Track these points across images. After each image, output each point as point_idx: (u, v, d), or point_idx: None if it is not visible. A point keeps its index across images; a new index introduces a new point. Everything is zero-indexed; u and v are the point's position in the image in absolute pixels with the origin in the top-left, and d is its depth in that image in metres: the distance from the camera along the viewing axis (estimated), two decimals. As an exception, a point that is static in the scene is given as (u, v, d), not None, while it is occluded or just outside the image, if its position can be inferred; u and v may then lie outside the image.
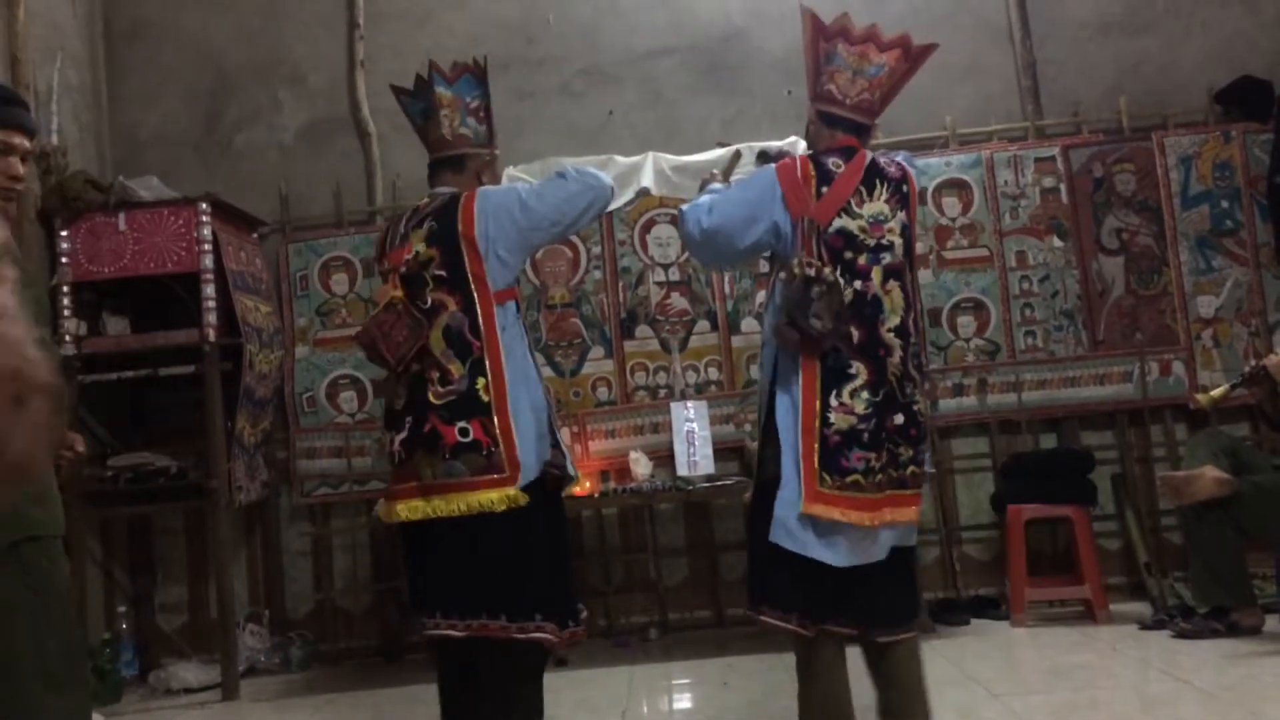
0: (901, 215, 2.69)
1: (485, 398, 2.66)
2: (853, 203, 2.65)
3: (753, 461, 3.32)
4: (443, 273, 2.74)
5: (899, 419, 2.57)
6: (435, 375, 2.70)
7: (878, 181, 2.69)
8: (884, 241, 2.64)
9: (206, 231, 4.19)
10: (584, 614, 2.76)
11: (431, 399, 2.69)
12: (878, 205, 2.66)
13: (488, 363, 2.68)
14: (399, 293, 2.77)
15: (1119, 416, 4.62)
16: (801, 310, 2.53)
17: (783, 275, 2.62)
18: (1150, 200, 4.65)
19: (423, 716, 3.47)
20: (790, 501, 2.51)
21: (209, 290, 4.16)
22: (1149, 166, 4.65)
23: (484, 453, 2.62)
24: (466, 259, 2.73)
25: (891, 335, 2.60)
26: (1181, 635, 3.65)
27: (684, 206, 2.82)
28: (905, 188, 2.74)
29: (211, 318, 4.15)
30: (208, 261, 4.18)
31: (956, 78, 4.81)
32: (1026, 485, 4.28)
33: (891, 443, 2.55)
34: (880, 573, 2.53)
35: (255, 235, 4.77)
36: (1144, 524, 4.49)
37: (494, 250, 2.75)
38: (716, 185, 2.90)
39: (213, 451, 4.13)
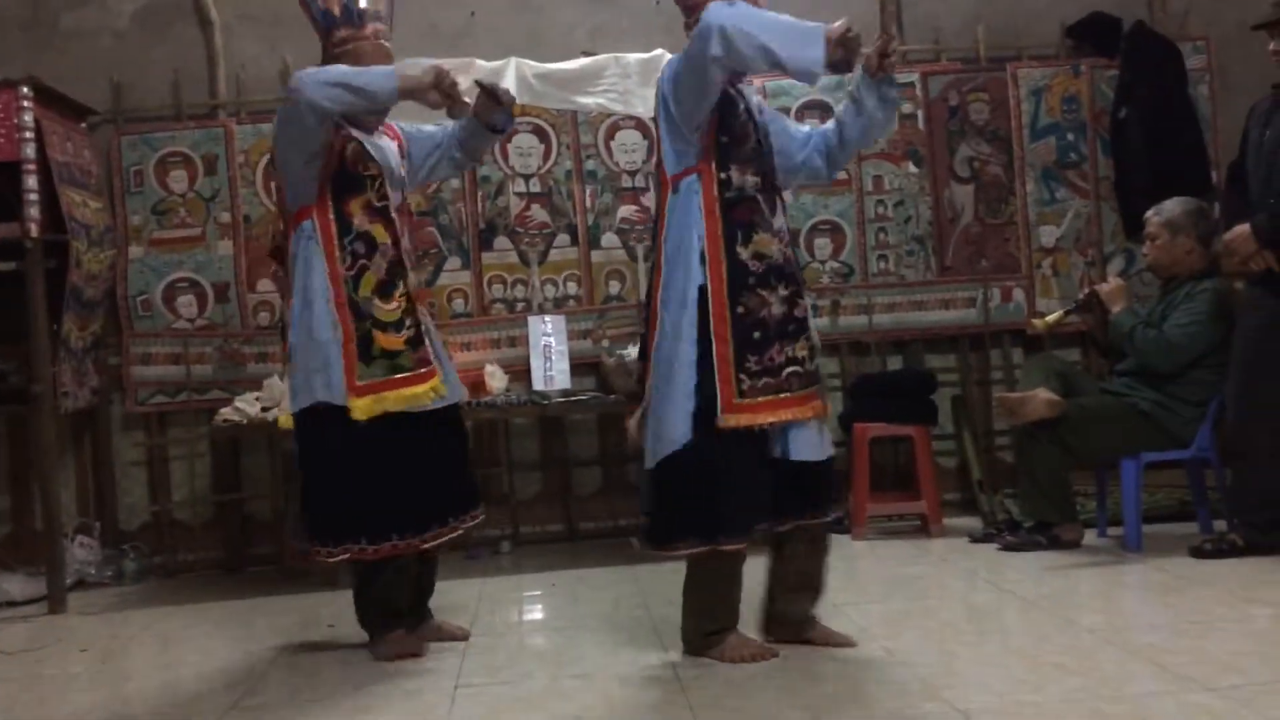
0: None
1: (288, 318, 2.86)
2: None
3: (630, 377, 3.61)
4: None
5: None
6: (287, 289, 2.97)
7: None
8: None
9: (28, 118, 3.87)
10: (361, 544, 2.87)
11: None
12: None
13: (289, 285, 2.86)
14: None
15: (962, 340, 4.79)
16: None
17: None
18: (1001, 130, 4.77)
19: (263, 628, 3.41)
20: None
21: (31, 182, 3.85)
22: (1002, 97, 4.76)
23: (282, 376, 2.83)
24: (275, 176, 2.83)
25: None
26: (1007, 548, 3.84)
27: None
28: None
29: (34, 211, 3.85)
30: (29, 150, 3.86)
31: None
32: (872, 405, 4.40)
33: None
34: None
35: (84, 125, 4.44)
36: (979, 443, 4.69)
37: (285, 162, 2.84)
38: None
39: (36, 354, 3.88)
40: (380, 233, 2.87)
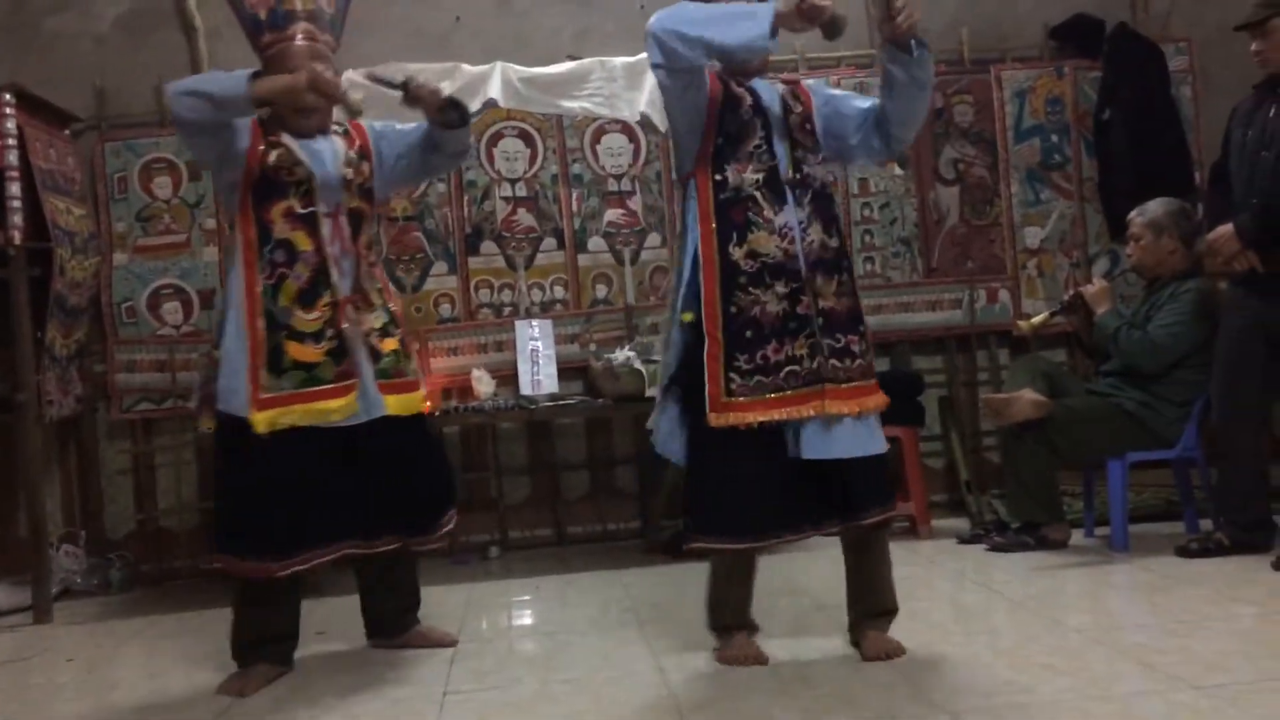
0: None
1: None
2: None
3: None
4: None
5: None
6: None
7: None
8: None
9: (10, 125, 3.85)
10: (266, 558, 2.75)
11: None
12: None
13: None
14: None
15: (948, 341, 4.81)
16: None
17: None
18: (986, 132, 4.79)
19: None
20: None
21: (14, 189, 3.83)
22: (986, 99, 4.78)
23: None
24: None
25: None
26: (995, 549, 3.85)
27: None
28: None
29: (17, 219, 3.84)
30: (12, 158, 3.84)
31: (807, 1, 4.81)
32: (860, 407, 4.40)
33: None
34: None
35: (67, 132, 4.43)
36: (966, 444, 4.70)
37: (209, 174, 2.90)
38: None
39: (20, 363, 3.87)
40: (302, 240, 2.77)
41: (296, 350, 2.75)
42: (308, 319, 2.76)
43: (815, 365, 2.60)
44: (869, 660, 2.64)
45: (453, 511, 3.08)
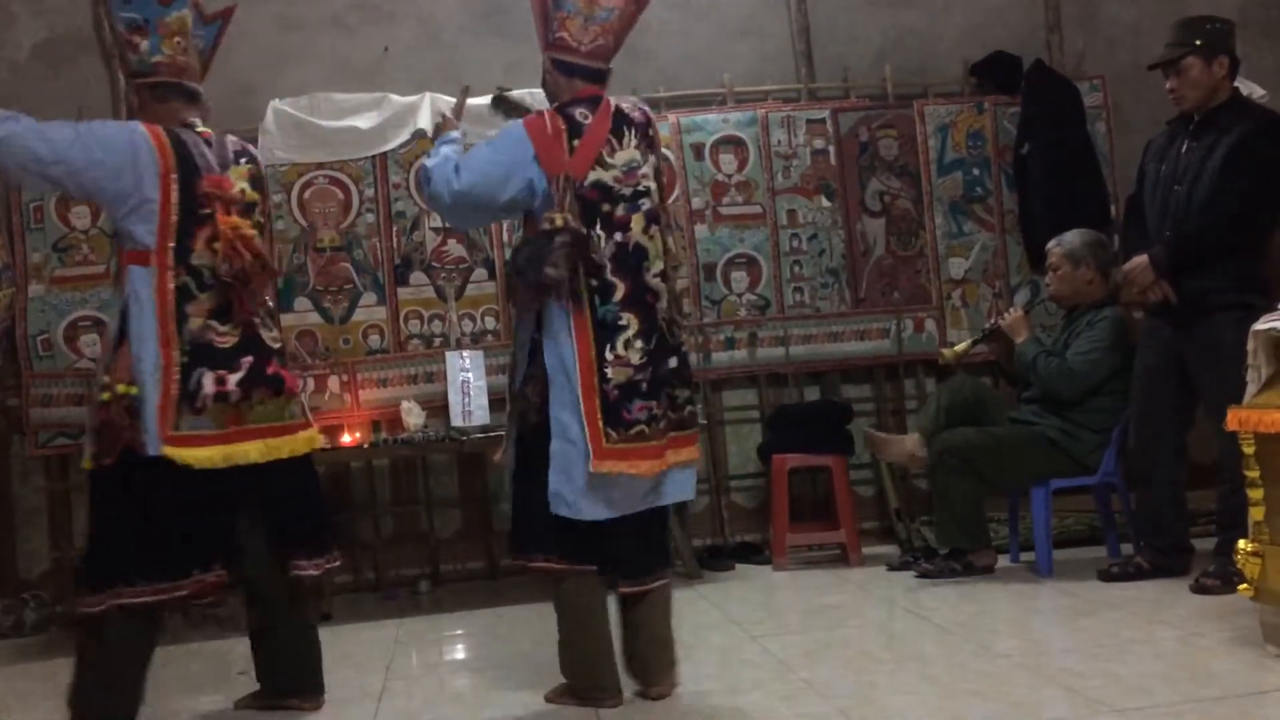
0: (652, 159, 2.74)
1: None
2: (604, 153, 2.64)
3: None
4: (264, 220, 2.82)
5: (673, 363, 2.68)
6: (268, 320, 2.75)
7: (625, 128, 2.68)
8: (640, 188, 2.66)
9: (-79, 153, 3.74)
10: None
11: (269, 343, 2.72)
12: (629, 153, 2.66)
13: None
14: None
15: (876, 370, 4.87)
16: (537, 262, 2.53)
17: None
18: (910, 165, 4.89)
19: (170, 677, 3.30)
20: (568, 467, 2.55)
21: (-76, 219, 3.73)
22: (910, 133, 4.88)
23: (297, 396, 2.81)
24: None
25: (657, 281, 2.67)
26: (924, 575, 3.89)
27: (427, 163, 2.65)
28: (651, 131, 2.76)
29: (-73, 250, 3.73)
30: (-78, 187, 3.74)
31: (735, 36, 4.89)
32: (790, 436, 4.45)
33: (670, 386, 2.66)
34: (632, 525, 2.64)
35: (-19, 161, 4.31)
36: (896, 472, 4.75)
37: None
38: (454, 134, 2.72)
39: (-71, 398, 3.74)
40: None
41: None
42: None
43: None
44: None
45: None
